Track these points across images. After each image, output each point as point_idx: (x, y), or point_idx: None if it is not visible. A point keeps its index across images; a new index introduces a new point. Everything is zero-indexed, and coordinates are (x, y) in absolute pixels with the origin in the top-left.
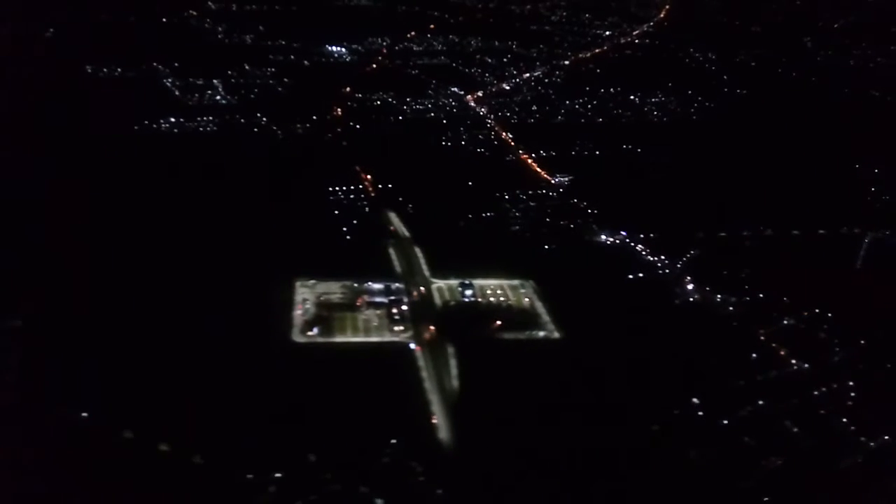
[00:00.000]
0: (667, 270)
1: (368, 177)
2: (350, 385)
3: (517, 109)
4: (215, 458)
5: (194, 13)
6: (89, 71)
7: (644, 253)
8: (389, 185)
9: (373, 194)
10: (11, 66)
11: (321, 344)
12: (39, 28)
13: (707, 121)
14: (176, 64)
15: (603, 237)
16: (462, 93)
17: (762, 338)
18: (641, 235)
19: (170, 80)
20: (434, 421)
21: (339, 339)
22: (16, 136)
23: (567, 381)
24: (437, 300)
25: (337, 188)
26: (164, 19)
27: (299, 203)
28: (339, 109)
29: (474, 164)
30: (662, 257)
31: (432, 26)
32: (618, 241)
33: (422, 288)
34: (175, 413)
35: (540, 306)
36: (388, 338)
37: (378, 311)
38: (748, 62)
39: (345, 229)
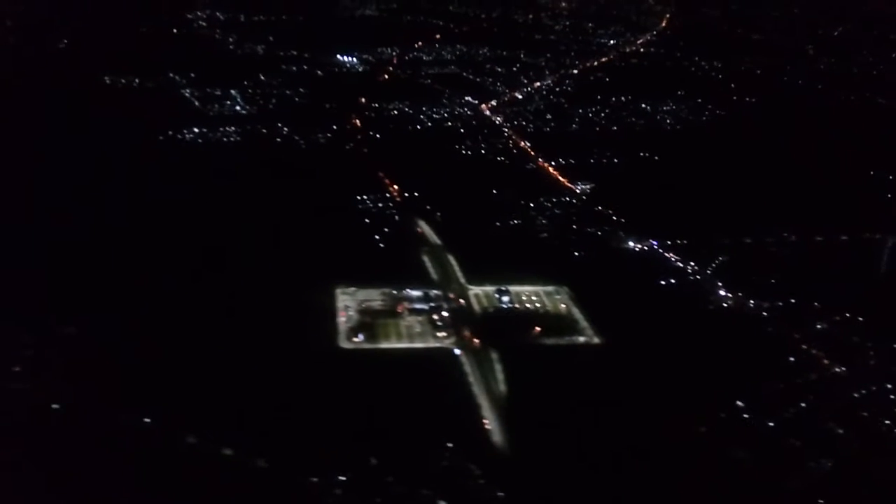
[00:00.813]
0: (697, 276)
1: (395, 186)
2: (400, 390)
3: (531, 118)
4: (278, 463)
5: (204, 24)
6: (108, 81)
7: (673, 259)
8: (416, 194)
9: (400, 202)
10: (31, 77)
11: (368, 350)
12: (53, 39)
13: (720, 128)
14: (192, 74)
15: (630, 244)
16: (476, 102)
17: (798, 342)
18: (668, 242)
19: (188, 90)
20: (486, 424)
21: (384, 345)
22: (45, 144)
23: (611, 385)
24: (476, 307)
25: (364, 196)
26: (174, 30)
27: (329, 211)
28: (357, 120)
29: (496, 172)
30: (692, 263)
31: (438, 36)
32: (645, 248)
33: (461, 300)
34: (235, 418)
35: (577, 312)
36: (432, 343)
37: (420, 318)
38: (753, 70)
39: (377, 237)
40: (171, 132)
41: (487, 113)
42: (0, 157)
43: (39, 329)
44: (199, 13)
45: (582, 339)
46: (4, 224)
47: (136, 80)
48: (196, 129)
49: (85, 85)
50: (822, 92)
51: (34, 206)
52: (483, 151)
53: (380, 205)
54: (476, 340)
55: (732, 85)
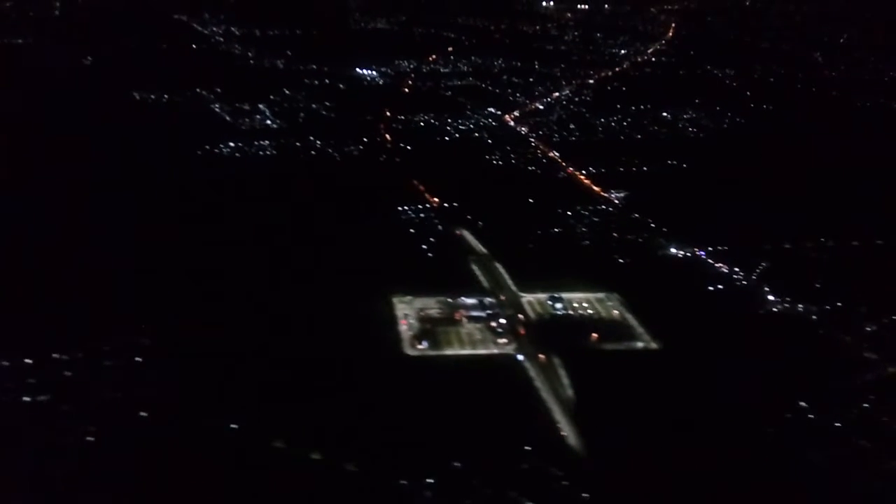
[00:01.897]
0: (744, 282)
1: (435, 198)
2: (470, 395)
3: (555, 128)
4: (367, 466)
5: (221, 39)
6: (137, 97)
7: (717, 265)
8: (454, 203)
9: (440, 212)
10: (64, 94)
11: (433, 357)
12: (78, 56)
13: (742, 135)
14: (218, 89)
15: (672, 250)
16: (499, 113)
17: (850, 344)
18: (710, 248)
19: (217, 105)
20: (561, 428)
21: (448, 351)
22: (89, 161)
23: (675, 388)
24: (531, 314)
25: (405, 207)
26: (193, 45)
27: (373, 222)
28: (386, 132)
29: (529, 181)
30: (736, 269)
31: (450, 49)
32: (688, 255)
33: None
34: (318, 424)
35: (631, 318)
36: (494, 350)
37: (478, 325)
38: (766, 78)
39: (424, 247)
40: (207, 146)
41: (511, 123)
42: (48, 175)
43: (125, 339)
44: (214, 28)
45: (640, 344)
46: (64, 243)
47: (165, 96)
48: (231, 144)
49: (117, 101)
50: (838, 98)
51: (92, 223)
52: (513, 161)
53: (421, 215)
54: (542, 356)
55: (748, 92)
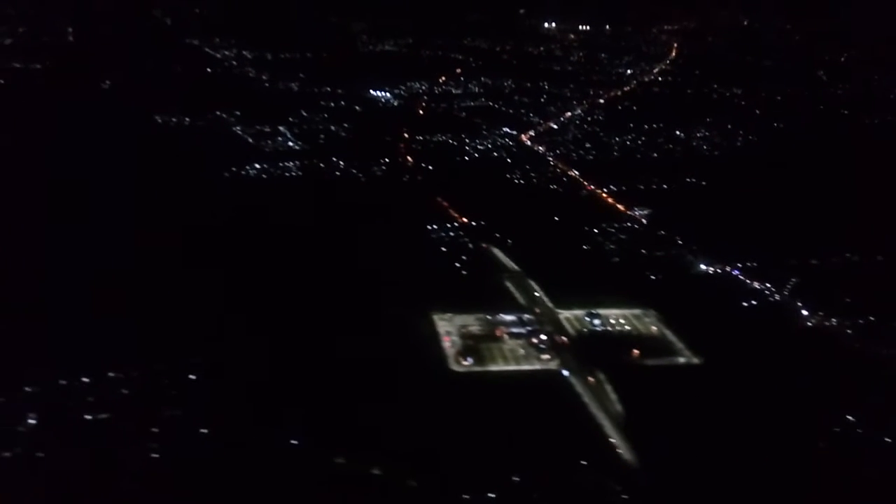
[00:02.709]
0: (776, 297)
1: (463, 217)
2: (520, 410)
3: (572, 147)
4: (429, 481)
5: (235, 63)
6: (159, 121)
7: (748, 281)
8: (482, 222)
9: (469, 230)
10: (87, 117)
11: (479, 373)
12: (96, 79)
13: (757, 153)
14: (237, 112)
15: (702, 267)
16: (514, 132)
17: (887, 357)
18: (738, 265)
19: (238, 127)
20: (614, 443)
21: (493, 367)
22: (121, 186)
23: (722, 403)
24: (570, 330)
25: (434, 226)
26: (208, 69)
27: (405, 241)
28: (407, 154)
29: (552, 199)
30: (767, 285)
31: (459, 70)
32: (718, 271)
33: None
34: (376, 440)
35: (669, 334)
36: (538, 366)
37: (520, 341)
38: (773, 96)
39: (457, 265)
40: (234, 168)
41: (528, 143)
42: (89, 200)
43: (177, 357)
44: (226, 52)
45: (682, 359)
46: (111, 265)
47: (187, 119)
48: (257, 165)
49: (140, 124)
50: (848, 116)
51: (136, 246)
52: (534, 180)
53: (451, 234)
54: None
55: (757, 111)
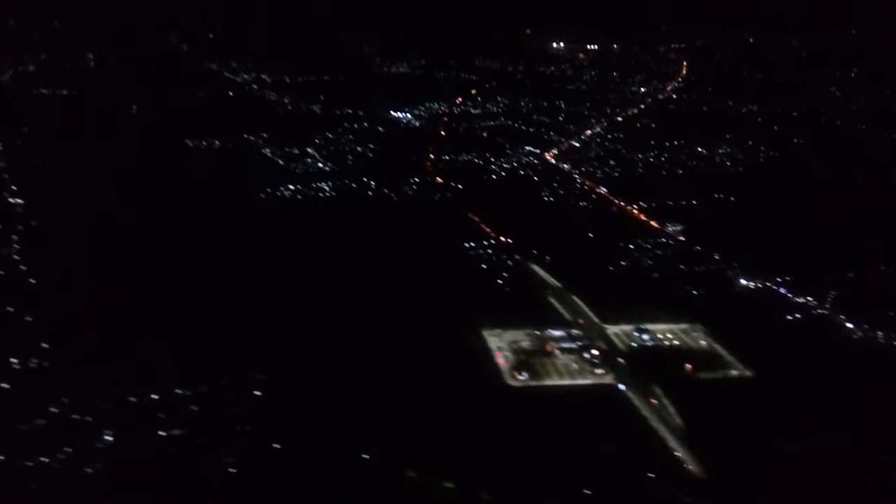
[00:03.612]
0: (819, 311)
1: (499, 234)
2: (581, 424)
3: (596, 164)
4: (502, 495)
5: (255, 87)
6: (190, 144)
7: (789, 295)
8: (518, 239)
9: (506, 247)
10: (122, 141)
11: (536, 387)
12: (125, 106)
13: (780, 169)
14: (265, 135)
15: (742, 281)
16: (538, 151)
17: None
18: (777, 279)
19: (267, 150)
20: (679, 455)
21: (548, 382)
22: (162, 210)
23: (781, 415)
24: (620, 345)
25: (471, 243)
26: (230, 93)
27: (444, 259)
28: (436, 173)
29: (584, 216)
30: (809, 298)
31: (474, 91)
32: (759, 285)
33: (606, 338)
34: (444, 454)
35: (719, 347)
36: (593, 380)
37: (572, 356)
38: (789, 112)
39: (499, 281)
40: (269, 190)
41: (553, 161)
42: (132, 223)
43: (241, 373)
44: (245, 76)
45: (734, 372)
46: (166, 285)
47: (216, 142)
48: (291, 187)
49: (174, 148)
50: (867, 132)
51: (187, 267)
52: (564, 197)
53: (489, 251)
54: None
55: (776, 127)
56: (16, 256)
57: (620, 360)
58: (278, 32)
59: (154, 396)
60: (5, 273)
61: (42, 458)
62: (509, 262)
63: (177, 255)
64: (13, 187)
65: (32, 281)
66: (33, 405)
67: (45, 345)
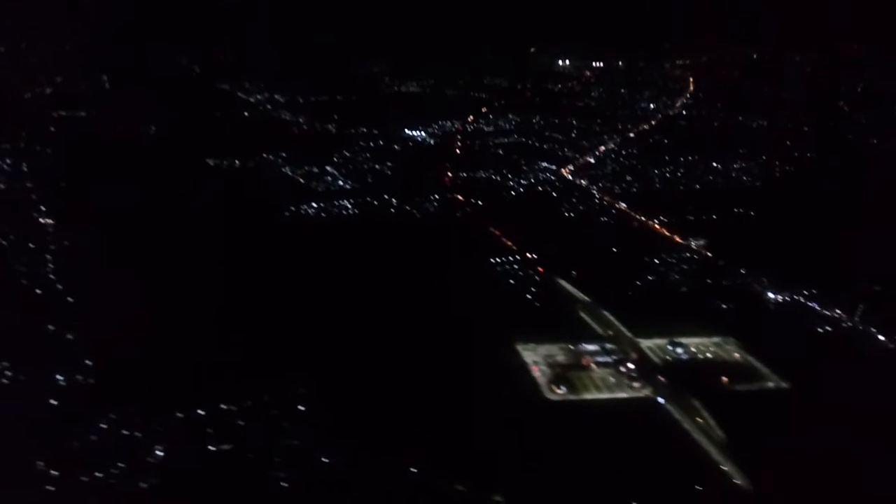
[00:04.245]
0: (849, 323)
1: (524, 250)
2: (623, 437)
3: (613, 180)
4: None
5: (269, 107)
6: (212, 164)
7: (817, 308)
8: (544, 255)
9: (532, 263)
10: (145, 161)
11: (575, 401)
12: (143, 126)
13: (797, 183)
14: (283, 154)
15: (770, 294)
16: (554, 167)
17: None
18: (804, 292)
19: (287, 168)
20: (724, 467)
21: (587, 396)
22: (190, 230)
23: (821, 425)
24: (655, 359)
25: (498, 258)
26: (245, 113)
27: (472, 274)
28: (455, 190)
29: (606, 231)
30: (837, 311)
31: (484, 109)
32: (787, 299)
33: (640, 352)
34: (492, 468)
35: (753, 360)
36: (631, 393)
37: (608, 370)
38: (799, 127)
39: (528, 296)
40: (293, 208)
41: (570, 177)
42: (169, 244)
43: (282, 388)
44: (258, 97)
45: (770, 384)
46: (202, 302)
47: (237, 162)
48: (314, 205)
49: (196, 167)
50: (878, 146)
51: (225, 285)
52: (584, 213)
53: (515, 266)
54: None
55: (788, 142)
56: (51, 276)
57: (657, 373)
58: (288, 53)
59: (200, 412)
60: (43, 292)
61: (97, 474)
62: (536, 277)
63: (210, 271)
64: (42, 208)
65: (70, 299)
66: (83, 421)
67: (88, 361)
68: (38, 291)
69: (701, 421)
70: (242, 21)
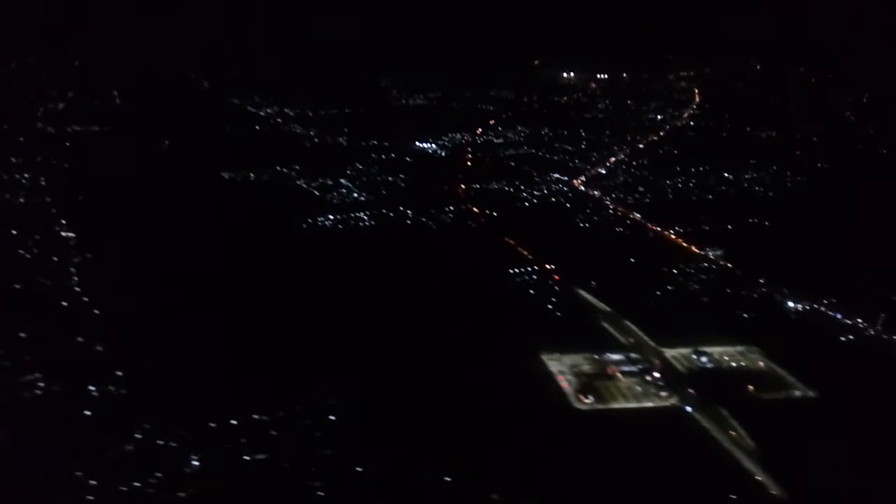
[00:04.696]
0: (871, 332)
1: (543, 261)
2: (654, 446)
3: (625, 190)
4: None
5: (280, 120)
6: (227, 177)
7: (838, 317)
8: (561, 265)
9: (550, 273)
10: (164, 175)
11: (603, 410)
12: (157, 141)
13: (809, 193)
14: (297, 167)
15: (791, 303)
16: (566, 178)
17: None
18: (824, 301)
19: (301, 181)
20: (757, 476)
21: (615, 405)
22: (209, 244)
23: (853, 434)
24: (680, 368)
25: (516, 269)
26: (256, 127)
27: (492, 285)
28: (469, 201)
29: (622, 241)
30: (859, 320)
31: (492, 121)
32: (807, 308)
33: (665, 361)
34: (528, 480)
35: (778, 369)
36: (659, 403)
37: (634, 379)
38: (809, 137)
39: (549, 306)
40: (310, 220)
41: (582, 188)
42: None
43: (313, 399)
44: (268, 110)
45: (797, 393)
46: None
47: (251, 175)
48: (331, 217)
49: (213, 181)
50: (888, 156)
51: (253, 298)
52: (599, 223)
53: (534, 276)
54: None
55: (798, 152)
56: (77, 288)
57: (683, 382)
58: (296, 67)
59: (233, 422)
60: (69, 305)
61: (135, 483)
62: (556, 288)
63: (235, 282)
64: (63, 221)
65: (97, 312)
66: (118, 431)
67: (118, 372)
68: (64, 304)
69: (733, 432)
70: (249, 35)
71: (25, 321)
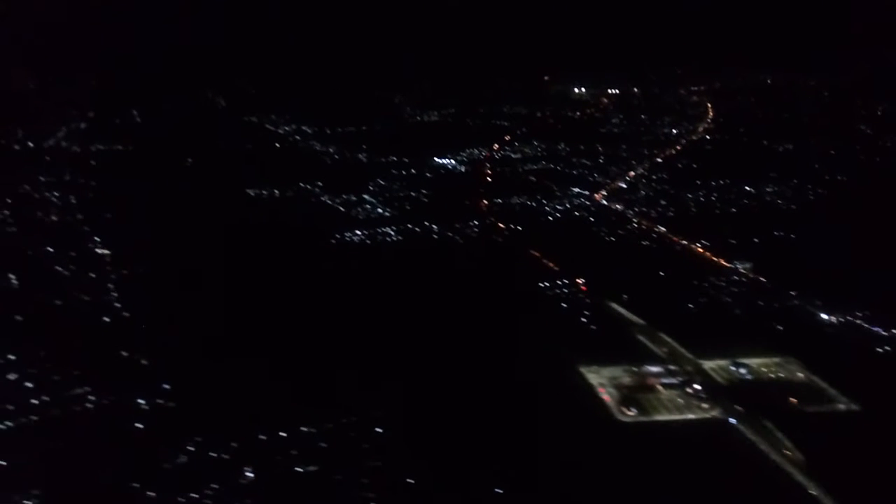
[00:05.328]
0: None
1: (573, 275)
2: (702, 458)
3: (648, 204)
4: None
5: (298, 137)
6: (252, 194)
7: (873, 328)
8: (591, 279)
9: (580, 287)
10: (188, 193)
11: (647, 422)
12: (179, 159)
13: (832, 206)
14: (320, 183)
15: (824, 315)
16: (587, 192)
17: None
18: (858, 313)
19: (325, 197)
20: (810, 490)
21: (659, 417)
22: (236, 263)
23: None
24: (720, 380)
25: (546, 283)
26: (276, 144)
27: (524, 299)
28: (493, 216)
29: (649, 255)
30: (894, 331)
31: (507, 137)
32: (841, 320)
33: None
34: (569, 489)
35: (819, 381)
36: (702, 415)
37: (675, 391)
38: (826, 151)
39: (583, 319)
40: (337, 235)
41: (604, 202)
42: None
43: (356, 411)
44: (286, 128)
45: (841, 405)
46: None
47: (276, 191)
48: (357, 232)
49: (238, 198)
50: None
51: (289, 315)
52: (624, 237)
53: (564, 290)
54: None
55: (816, 165)
56: (117, 304)
57: (724, 394)
58: (311, 85)
59: (282, 434)
60: (111, 320)
61: (192, 494)
62: (587, 301)
63: (272, 297)
64: (96, 238)
65: (139, 326)
66: (170, 443)
67: (165, 385)
68: (105, 319)
69: (782, 445)
70: (264, 53)
71: (69, 336)
